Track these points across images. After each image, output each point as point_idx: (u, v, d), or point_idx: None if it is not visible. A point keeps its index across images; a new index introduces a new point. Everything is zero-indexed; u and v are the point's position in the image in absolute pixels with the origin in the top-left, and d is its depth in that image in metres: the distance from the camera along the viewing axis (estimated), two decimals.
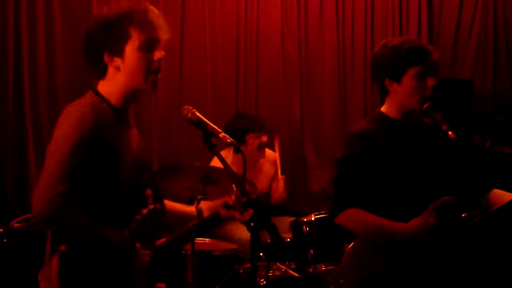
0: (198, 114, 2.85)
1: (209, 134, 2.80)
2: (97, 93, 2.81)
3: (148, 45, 2.77)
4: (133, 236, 2.76)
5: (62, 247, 2.66)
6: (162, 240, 3.02)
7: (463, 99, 6.69)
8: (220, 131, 2.80)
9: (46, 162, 2.62)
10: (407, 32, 7.01)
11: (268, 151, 5.69)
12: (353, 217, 3.37)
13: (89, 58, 2.85)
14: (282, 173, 5.75)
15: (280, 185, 5.69)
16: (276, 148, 5.79)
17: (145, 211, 2.83)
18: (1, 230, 4.63)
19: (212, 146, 2.80)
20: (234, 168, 2.82)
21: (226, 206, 3.20)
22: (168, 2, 6.67)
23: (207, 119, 2.87)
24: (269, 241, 4.45)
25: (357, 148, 3.40)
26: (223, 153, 5.18)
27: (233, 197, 3.12)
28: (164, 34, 2.84)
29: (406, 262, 3.33)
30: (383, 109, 3.54)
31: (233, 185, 4.74)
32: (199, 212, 3.25)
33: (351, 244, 3.54)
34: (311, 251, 4.72)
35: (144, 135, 6.44)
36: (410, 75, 3.39)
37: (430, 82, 3.39)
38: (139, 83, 2.79)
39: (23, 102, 6.10)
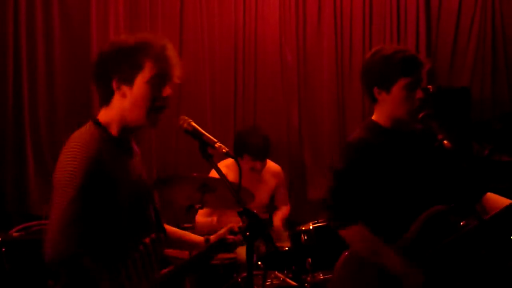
0: (194, 124, 2.85)
1: (205, 144, 2.80)
2: (96, 123, 2.78)
3: (159, 80, 2.75)
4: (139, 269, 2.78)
5: (50, 282, 2.66)
6: (166, 270, 3.02)
7: (462, 107, 6.68)
8: (216, 141, 2.80)
9: (53, 207, 2.59)
10: (405, 40, 7.02)
11: (269, 163, 5.67)
12: (355, 238, 3.38)
13: (97, 81, 2.82)
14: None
15: (283, 216, 5.76)
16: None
17: (147, 240, 2.84)
18: (0, 239, 4.64)
19: (208, 156, 2.81)
20: (235, 177, 2.81)
21: (232, 232, 3.20)
22: (166, 12, 6.69)
23: (205, 128, 2.88)
24: (265, 250, 4.51)
25: (354, 158, 3.40)
26: (225, 161, 5.20)
27: (240, 223, 3.12)
28: (177, 72, 2.82)
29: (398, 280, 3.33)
30: (374, 117, 3.54)
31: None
32: (207, 240, 3.25)
33: (342, 257, 3.54)
34: (309, 259, 4.72)
35: (143, 145, 6.47)
36: (399, 86, 3.37)
37: (419, 94, 3.38)
38: (140, 117, 2.76)
39: (22, 111, 6.13)
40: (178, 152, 6.64)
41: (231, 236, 3.16)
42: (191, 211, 4.36)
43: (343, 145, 3.63)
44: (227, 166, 5.16)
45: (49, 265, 2.53)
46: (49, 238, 2.53)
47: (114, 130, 2.79)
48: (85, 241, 2.57)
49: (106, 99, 2.80)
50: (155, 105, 2.76)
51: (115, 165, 2.73)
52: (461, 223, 3.55)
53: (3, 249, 4.58)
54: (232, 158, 2.83)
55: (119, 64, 2.74)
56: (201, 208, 4.32)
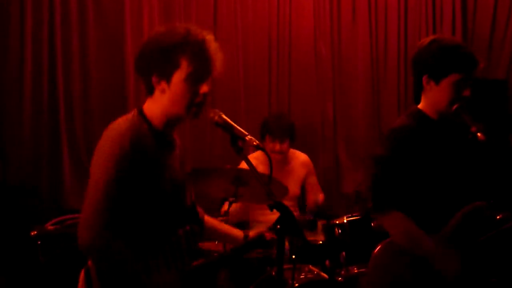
0: (224, 117, 2.85)
1: (235, 137, 2.80)
2: (141, 113, 2.83)
3: (195, 78, 2.79)
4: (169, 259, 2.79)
5: (89, 262, 2.69)
6: (199, 262, 3.03)
7: (499, 100, 6.62)
8: (247, 134, 2.79)
9: (88, 193, 2.63)
10: (441, 32, 6.94)
11: (297, 153, 5.70)
12: (396, 223, 3.37)
13: (140, 75, 2.88)
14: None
15: (317, 203, 5.73)
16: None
17: (181, 231, 2.86)
18: (36, 232, 4.68)
19: (239, 149, 2.80)
20: (265, 169, 2.79)
21: (271, 229, 3.20)
22: (200, 6, 6.69)
23: (239, 122, 2.88)
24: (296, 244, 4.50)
25: (397, 144, 3.39)
26: (255, 154, 5.21)
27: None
28: (215, 67, 2.86)
29: (433, 268, 3.30)
30: (420, 106, 3.52)
31: None
32: (246, 236, 3.26)
33: (377, 248, 3.52)
34: (343, 253, 4.70)
35: (178, 135, 6.50)
36: (450, 80, 3.35)
37: (466, 92, 3.36)
38: (180, 112, 2.81)
39: (57, 107, 6.16)
40: (212, 144, 6.64)
41: (270, 234, 3.15)
42: (225, 204, 4.37)
43: (386, 131, 3.59)
44: (256, 158, 5.18)
45: (82, 249, 2.57)
46: (83, 223, 2.58)
47: (157, 123, 2.84)
48: (118, 228, 2.61)
49: (149, 91, 2.86)
50: (193, 101, 2.80)
51: (153, 157, 2.77)
52: (498, 217, 3.52)
53: (39, 242, 4.63)
54: (262, 150, 2.82)
55: (157, 61, 2.78)
56: (235, 201, 4.32)
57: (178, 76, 2.77)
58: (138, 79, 2.99)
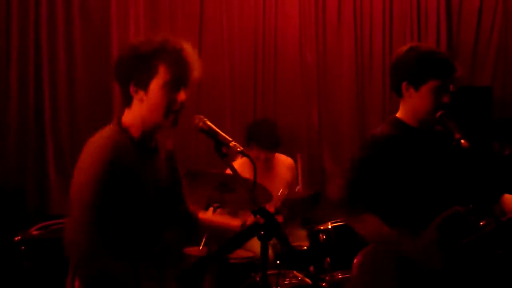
0: (209, 123, 2.85)
1: (220, 143, 2.81)
2: (120, 125, 2.83)
3: (173, 85, 2.78)
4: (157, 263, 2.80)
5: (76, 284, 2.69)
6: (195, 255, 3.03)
7: (483, 106, 6.66)
8: (231, 140, 2.80)
9: (73, 204, 2.63)
10: (426, 40, 6.98)
11: (283, 157, 5.70)
12: (365, 224, 3.38)
13: (119, 84, 2.87)
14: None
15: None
16: (298, 167, 5.80)
17: (168, 235, 2.89)
18: (20, 237, 4.68)
19: (223, 155, 2.81)
20: (250, 175, 2.79)
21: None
22: (186, 11, 6.70)
23: (224, 127, 2.89)
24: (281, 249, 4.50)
25: (376, 151, 3.41)
26: (239, 160, 5.21)
27: (271, 207, 3.11)
28: (193, 74, 2.85)
29: (418, 277, 3.32)
30: (398, 114, 3.54)
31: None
32: (243, 224, 3.26)
33: (361, 253, 3.54)
34: (328, 259, 4.71)
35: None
36: (429, 86, 3.37)
37: (446, 98, 3.38)
38: (158, 120, 2.81)
39: (43, 111, 6.17)
40: (197, 150, 6.64)
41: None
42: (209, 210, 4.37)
43: (366, 137, 3.62)
44: (240, 164, 5.14)
45: (71, 263, 2.59)
46: (69, 237, 2.58)
47: (135, 132, 2.83)
48: (104, 239, 2.60)
49: (127, 101, 2.84)
50: (171, 108, 2.80)
51: (134, 166, 2.77)
52: (480, 224, 3.54)
53: (23, 248, 4.62)
54: (247, 156, 2.83)
55: (134, 69, 2.78)
56: (220, 207, 4.31)
57: (156, 84, 2.76)
58: None
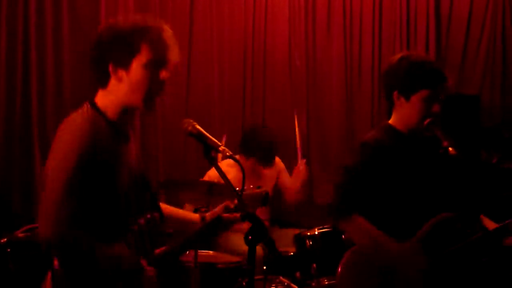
0: (198, 127, 2.84)
1: (209, 148, 2.80)
2: (93, 105, 2.79)
3: (156, 64, 2.76)
4: (133, 248, 2.76)
5: (55, 263, 2.65)
6: (163, 248, 3.01)
7: (471, 114, 6.68)
8: (220, 144, 2.80)
9: (47, 185, 2.58)
10: (415, 47, 6.99)
11: None
12: (356, 226, 3.40)
13: (94, 64, 2.83)
14: (302, 157, 5.87)
15: (301, 168, 5.72)
16: (296, 127, 5.80)
17: (142, 220, 2.84)
18: (5, 239, 4.65)
19: (212, 159, 2.81)
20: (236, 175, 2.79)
21: (227, 209, 3.19)
22: (176, 15, 6.70)
23: (213, 131, 2.89)
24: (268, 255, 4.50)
25: (367, 157, 3.44)
26: (228, 160, 5.20)
27: (235, 200, 3.11)
28: (173, 56, 2.82)
29: (401, 281, 3.33)
30: (390, 121, 3.57)
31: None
32: (203, 218, 3.24)
33: (344, 257, 3.54)
34: (314, 265, 4.71)
35: (150, 146, 6.49)
36: (419, 96, 3.41)
37: (436, 107, 3.40)
38: (136, 101, 2.78)
39: (29, 114, 6.13)
40: (186, 153, 6.63)
41: (227, 214, 3.15)
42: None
43: (357, 143, 3.65)
44: (229, 165, 5.14)
45: (45, 241, 2.50)
46: (42, 218, 2.52)
47: (111, 114, 2.80)
48: (79, 221, 2.55)
49: (103, 82, 2.81)
50: (152, 88, 2.78)
51: (110, 148, 2.74)
52: (467, 231, 3.56)
53: (8, 250, 4.59)
54: (236, 161, 2.83)
55: (115, 48, 2.75)
56: (207, 211, 4.31)
57: (138, 63, 2.74)
58: None
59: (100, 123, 2.75)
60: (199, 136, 2.83)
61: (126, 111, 2.83)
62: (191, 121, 2.87)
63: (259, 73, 6.94)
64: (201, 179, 4.77)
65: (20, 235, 4.86)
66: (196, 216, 3.28)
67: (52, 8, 6.26)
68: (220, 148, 2.78)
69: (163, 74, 2.79)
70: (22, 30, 6.13)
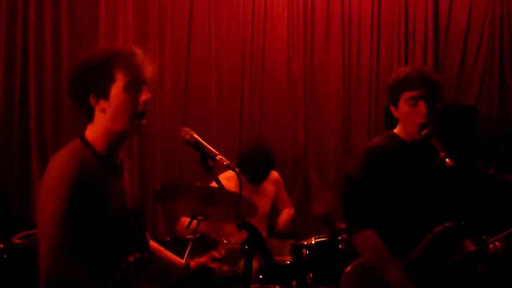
0: (196, 136, 2.85)
1: (206, 157, 2.81)
2: (83, 140, 2.79)
3: (133, 86, 2.76)
4: (118, 286, 2.76)
5: None
6: None
7: (468, 125, 6.69)
8: (217, 153, 2.80)
9: (39, 227, 2.57)
10: (413, 58, 7.02)
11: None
12: (367, 242, 3.41)
13: (75, 99, 2.83)
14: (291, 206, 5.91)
15: (287, 217, 5.78)
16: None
17: (131, 258, 2.83)
18: (2, 245, 4.65)
19: (209, 169, 2.81)
20: (235, 188, 2.81)
21: (213, 259, 3.20)
22: (175, 23, 6.72)
23: (211, 141, 2.89)
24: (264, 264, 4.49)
25: (370, 162, 3.46)
26: (226, 174, 5.20)
27: (222, 251, 3.11)
28: (148, 74, 2.83)
29: None
30: (395, 130, 3.61)
31: (223, 240, 4.75)
32: (187, 264, 3.25)
33: (349, 268, 3.54)
34: (311, 274, 4.71)
35: (148, 153, 6.49)
36: (403, 100, 3.45)
37: (422, 108, 3.41)
38: (123, 126, 2.77)
39: (28, 119, 6.13)
40: (183, 163, 6.63)
41: (212, 264, 3.15)
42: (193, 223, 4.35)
43: (361, 149, 3.67)
44: (227, 178, 5.16)
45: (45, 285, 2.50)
46: (42, 260, 2.50)
47: (100, 147, 2.79)
48: (76, 259, 2.54)
49: (88, 116, 2.82)
50: (136, 111, 2.77)
51: (100, 182, 2.71)
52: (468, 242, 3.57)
53: (4, 256, 4.59)
54: (233, 170, 2.83)
55: (91, 80, 2.76)
56: (204, 220, 4.30)
57: (116, 89, 2.74)
58: None
59: (88, 157, 2.73)
60: (196, 145, 2.83)
61: (114, 143, 2.82)
62: (189, 129, 2.88)
63: (257, 82, 6.96)
64: (198, 184, 4.77)
65: (17, 241, 4.86)
66: (181, 262, 3.29)
67: (51, 11, 6.28)
68: (217, 157, 2.79)
69: (144, 95, 2.80)
70: (21, 33, 6.15)
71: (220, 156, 2.79)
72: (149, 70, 2.85)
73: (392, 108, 3.57)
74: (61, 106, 6.27)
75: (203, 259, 3.20)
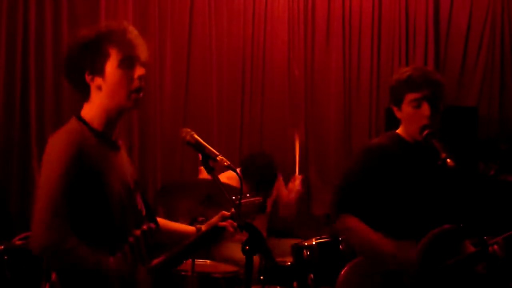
0: (196, 136, 2.85)
1: (207, 157, 2.81)
2: (80, 119, 2.81)
3: (128, 63, 2.78)
4: (129, 259, 2.76)
5: (53, 276, 2.64)
6: (159, 259, 3.00)
7: (469, 126, 6.69)
8: (218, 154, 2.80)
9: (37, 198, 2.60)
10: (414, 59, 7.01)
11: None
12: (350, 225, 3.43)
13: (70, 79, 2.87)
14: (300, 172, 5.89)
15: (296, 183, 5.73)
16: (296, 146, 5.82)
17: (138, 232, 2.84)
18: (2, 247, 4.65)
19: (210, 169, 2.81)
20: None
21: (223, 218, 3.19)
22: (175, 24, 6.73)
23: (212, 142, 2.89)
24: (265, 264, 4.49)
25: (368, 160, 3.49)
26: (227, 173, 5.20)
27: (231, 209, 3.10)
28: (142, 52, 2.84)
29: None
30: (398, 131, 3.61)
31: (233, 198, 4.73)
32: (198, 230, 3.24)
33: (345, 268, 3.54)
34: (311, 275, 4.71)
35: (148, 153, 6.49)
36: (406, 102, 3.45)
37: (425, 111, 3.42)
38: (121, 101, 2.79)
39: (28, 119, 6.14)
40: (183, 163, 6.63)
41: (223, 223, 3.14)
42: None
43: (362, 147, 3.71)
44: (228, 178, 5.14)
45: (38, 250, 2.52)
46: (35, 231, 2.53)
47: (97, 124, 2.81)
48: (73, 233, 2.56)
49: (85, 95, 2.85)
50: (132, 87, 2.78)
51: (100, 159, 2.73)
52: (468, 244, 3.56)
53: (5, 257, 4.59)
54: (233, 171, 2.83)
55: (86, 58, 2.78)
56: (205, 221, 4.30)
57: (111, 66, 2.77)
58: None
59: (86, 134, 2.75)
60: (197, 146, 2.84)
61: (111, 119, 2.83)
62: (189, 130, 2.89)
63: (257, 82, 6.95)
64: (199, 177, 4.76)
65: (18, 242, 4.86)
66: (191, 229, 3.28)
67: (52, 10, 6.29)
68: (218, 158, 2.79)
69: (138, 71, 2.80)
70: (21, 32, 6.16)
71: (220, 157, 2.80)
72: (143, 48, 2.86)
73: (395, 109, 3.58)
74: (61, 106, 6.29)
75: (213, 220, 3.19)
